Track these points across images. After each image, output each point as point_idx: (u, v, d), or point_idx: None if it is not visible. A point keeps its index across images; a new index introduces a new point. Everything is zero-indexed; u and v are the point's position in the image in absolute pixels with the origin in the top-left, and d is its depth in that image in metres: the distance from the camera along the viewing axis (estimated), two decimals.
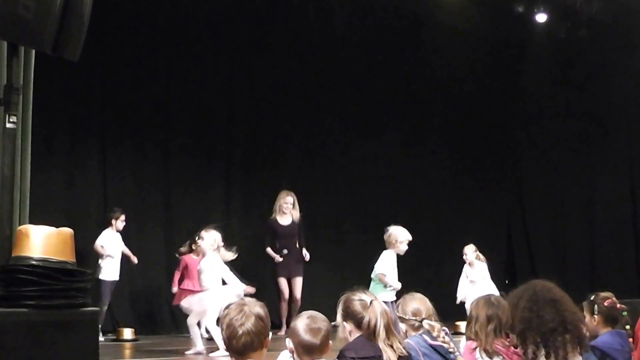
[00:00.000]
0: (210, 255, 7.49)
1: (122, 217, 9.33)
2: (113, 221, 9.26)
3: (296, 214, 9.86)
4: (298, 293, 9.71)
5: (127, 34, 10.22)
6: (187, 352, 7.38)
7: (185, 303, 7.73)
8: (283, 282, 9.68)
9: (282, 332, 8.98)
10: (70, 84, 9.69)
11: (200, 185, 10.92)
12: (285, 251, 9.70)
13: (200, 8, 10.60)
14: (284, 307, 9.64)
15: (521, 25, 12.29)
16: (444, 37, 12.05)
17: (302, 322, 3.33)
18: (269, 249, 9.76)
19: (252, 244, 10.43)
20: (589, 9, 11.19)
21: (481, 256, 9.61)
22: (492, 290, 9.27)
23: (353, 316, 3.58)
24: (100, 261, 9.12)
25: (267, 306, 3.16)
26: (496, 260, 13.24)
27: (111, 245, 9.24)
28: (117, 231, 9.31)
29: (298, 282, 9.76)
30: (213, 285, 7.41)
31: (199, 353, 7.27)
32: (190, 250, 9.57)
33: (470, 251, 9.58)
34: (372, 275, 7.76)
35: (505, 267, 13.16)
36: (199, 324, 7.60)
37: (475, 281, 9.50)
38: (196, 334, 7.41)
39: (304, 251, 9.82)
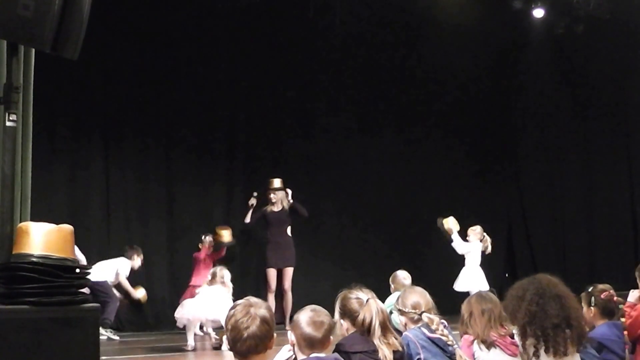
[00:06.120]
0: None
1: (141, 256, 9.51)
2: (135, 257, 9.39)
3: (285, 201, 9.87)
4: (287, 284, 9.57)
5: (129, 32, 10.24)
6: None
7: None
8: (272, 273, 9.57)
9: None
10: (73, 82, 9.72)
11: (202, 183, 10.95)
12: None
13: (202, 6, 10.61)
14: (270, 299, 9.29)
15: (520, 22, 12.28)
16: (443, 35, 12.04)
17: (305, 315, 3.32)
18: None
19: (253, 241, 10.46)
20: (587, 5, 11.17)
21: (488, 238, 9.58)
22: (481, 279, 9.23)
23: (350, 314, 3.64)
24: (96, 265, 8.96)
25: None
26: (496, 255, 13.28)
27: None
28: (132, 268, 9.39)
29: (289, 272, 9.62)
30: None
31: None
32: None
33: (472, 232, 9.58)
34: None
35: (505, 261, 13.17)
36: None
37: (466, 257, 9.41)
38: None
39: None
